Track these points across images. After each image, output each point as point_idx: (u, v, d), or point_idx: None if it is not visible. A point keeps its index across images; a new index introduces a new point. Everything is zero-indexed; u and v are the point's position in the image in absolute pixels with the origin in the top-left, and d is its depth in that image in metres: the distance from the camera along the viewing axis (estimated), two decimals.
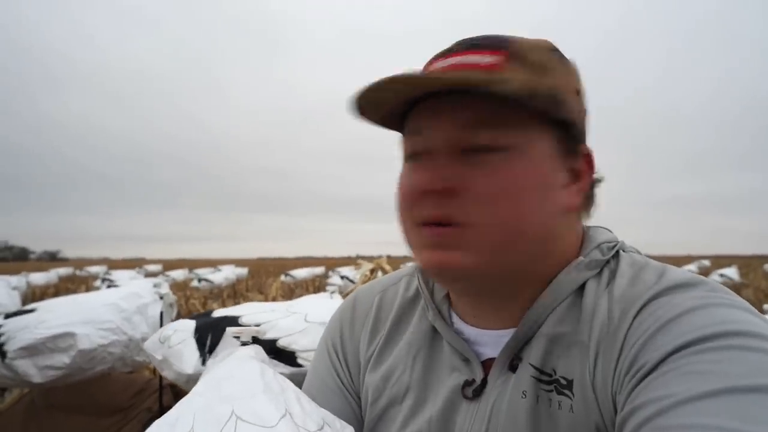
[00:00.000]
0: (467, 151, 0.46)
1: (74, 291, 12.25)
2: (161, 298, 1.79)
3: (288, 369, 1.33)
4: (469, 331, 0.53)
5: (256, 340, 1.35)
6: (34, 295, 9.56)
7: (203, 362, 1.40)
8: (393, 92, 0.45)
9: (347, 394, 0.60)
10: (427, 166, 0.47)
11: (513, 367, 0.49)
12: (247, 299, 11.23)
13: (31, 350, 1.56)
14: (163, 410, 1.88)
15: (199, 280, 9.88)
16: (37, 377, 1.55)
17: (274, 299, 10.39)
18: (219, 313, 1.58)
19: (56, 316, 1.61)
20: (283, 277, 13.52)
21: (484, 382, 0.50)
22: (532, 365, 0.48)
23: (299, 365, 1.36)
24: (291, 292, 12.13)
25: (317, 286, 13.30)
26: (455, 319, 0.55)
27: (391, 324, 0.59)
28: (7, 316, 2.05)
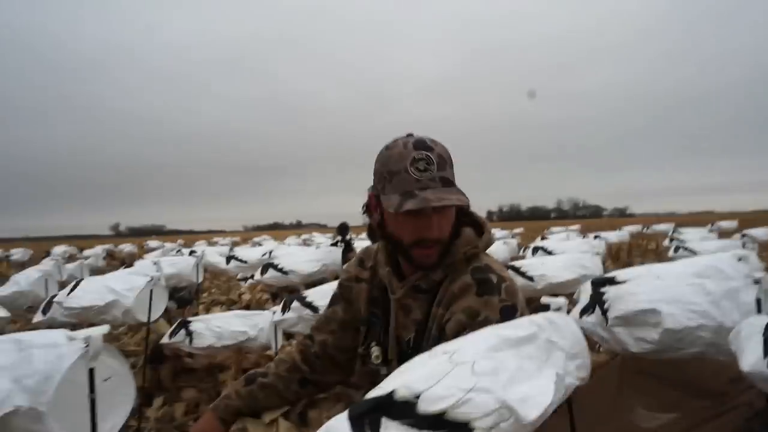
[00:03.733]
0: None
1: (646, 248, 12.76)
2: (757, 282, 1.50)
3: None
4: None
5: None
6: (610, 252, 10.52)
7: None
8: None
9: None
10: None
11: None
12: None
13: (627, 320, 1.68)
14: None
15: None
16: (633, 346, 1.66)
17: None
18: None
19: (644, 290, 1.66)
20: None
21: None
22: None
23: None
24: None
25: None
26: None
27: None
28: (596, 282, 2.29)
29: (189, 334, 2.79)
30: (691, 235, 9.67)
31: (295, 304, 2.89)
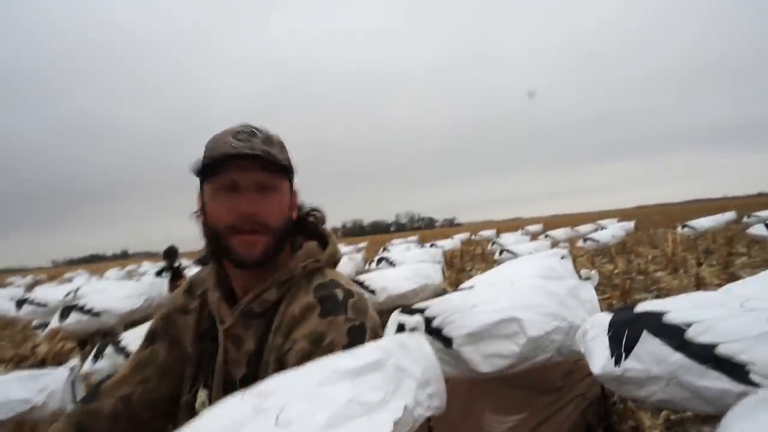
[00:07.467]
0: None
1: (473, 253, 14.10)
2: (587, 279, 1.55)
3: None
4: None
5: None
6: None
7: (617, 363, 1.15)
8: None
9: None
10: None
11: None
12: (639, 255, 10.22)
13: (477, 336, 1.51)
14: (605, 399, 1.68)
15: (585, 240, 9.64)
16: (483, 366, 1.51)
17: (673, 255, 9.04)
18: (642, 307, 1.31)
19: (490, 298, 1.58)
20: (680, 229, 11.66)
21: None
22: None
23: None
24: (694, 246, 10.33)
25: (729, 237, 10.86)
26: None
27: None
28: (409, 312, 2.21)
29: None
30: (508, 239, 10.93)
31: (109, 350, 2.49)
